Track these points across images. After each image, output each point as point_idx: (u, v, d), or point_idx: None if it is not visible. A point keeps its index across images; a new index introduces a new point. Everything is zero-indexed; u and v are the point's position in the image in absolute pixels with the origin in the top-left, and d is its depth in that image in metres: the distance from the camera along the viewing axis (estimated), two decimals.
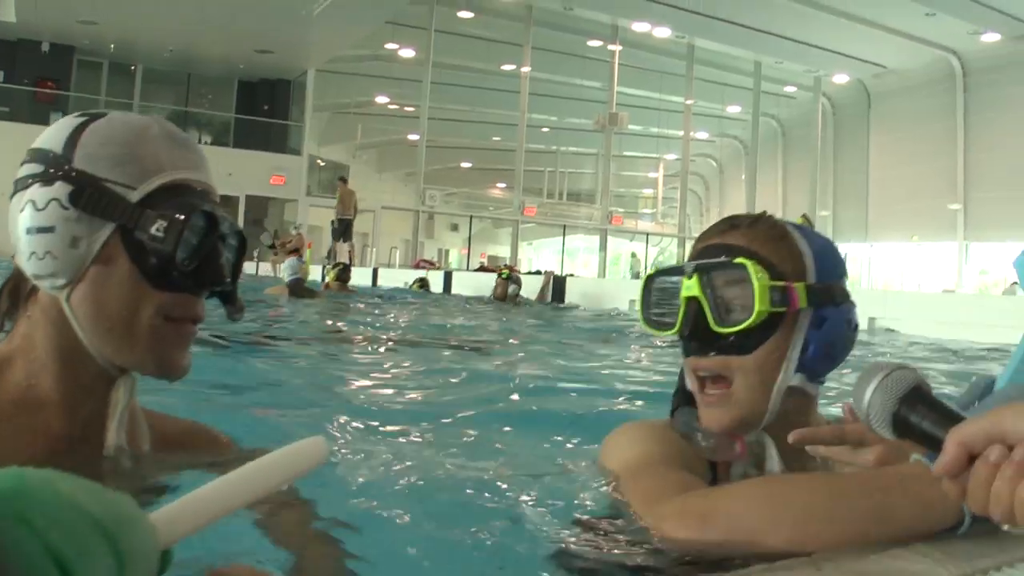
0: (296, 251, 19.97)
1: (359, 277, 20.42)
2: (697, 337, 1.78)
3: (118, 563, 0.61)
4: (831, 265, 1.84)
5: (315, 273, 18.61)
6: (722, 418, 1.78)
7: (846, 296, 1.83)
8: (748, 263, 1.73)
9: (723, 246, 1.80)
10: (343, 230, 25.50)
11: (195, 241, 1.59)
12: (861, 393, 1.35)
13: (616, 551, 1.59)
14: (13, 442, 1.54)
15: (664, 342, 6.04)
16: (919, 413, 1.29)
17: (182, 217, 1.55)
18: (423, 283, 19.40)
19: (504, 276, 15.87)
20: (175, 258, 1.55)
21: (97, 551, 0.60)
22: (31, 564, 0.56)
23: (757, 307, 1.71)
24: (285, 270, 13.00)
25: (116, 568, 0.61)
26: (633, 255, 43.96)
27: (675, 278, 1.84)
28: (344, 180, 27.14)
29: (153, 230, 1.54)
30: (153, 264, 1.57)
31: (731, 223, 1.86)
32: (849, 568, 1.32)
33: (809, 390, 1.82)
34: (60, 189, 1.54)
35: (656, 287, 1.92)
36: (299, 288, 12.62)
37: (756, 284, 1.71)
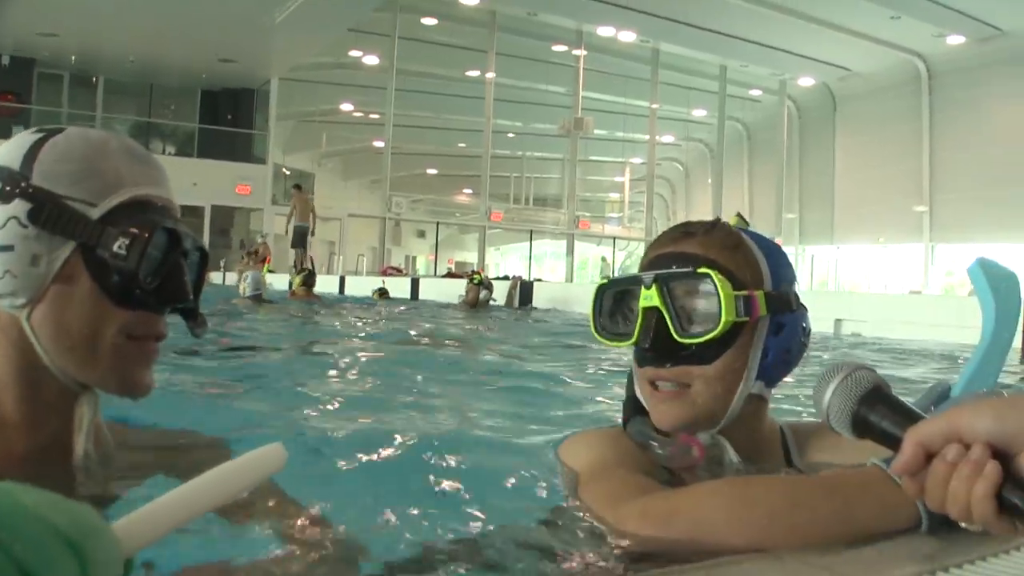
0: (264, 260, 20.64)
1: (326, 285, 20.56)
2: (657, 348, 1.75)
3: (83, 574, 0.62)
4: (784, 271, 1.84)
5: (281, 281, 18.53)
6: (677, 415, 1.75)
7: (799, 302, 1.83)
8: (712, 273, 1.71)
9: (680, 255, 1.78)
10: (300, 237, 25.08)
11: (157, 258, 1.58)
12: (821, 394, 1.36)
13: (573, 551, 1.56)
14: None
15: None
16: (878, 413, 1.31)
17: (144, 234, 1.53)
18: (383, 293, 19.00)
19: (476, 281, 15.85)
20: (138, 276, 1.54)
21: (62, 562, 0.61)
22: None
23: (724, 317, 1.70)
24: (248, 285, 12.93)
25: None
26: (603, 259, 44.19)
27: (631, 288, 1.82)
28: (299, 187, 27.23)
29: (115, 248, 1.51)
30: (115, 282, 1.54)
31: (685, 231, 1.83)
32: (813, 561, 1.31)
33: (766, 395, 1.82)
34: (19, 207, 1.50)
35: (609, 297, 1.90)
36: (260, 301, 12.74)
37: (722, 295, 1.69)
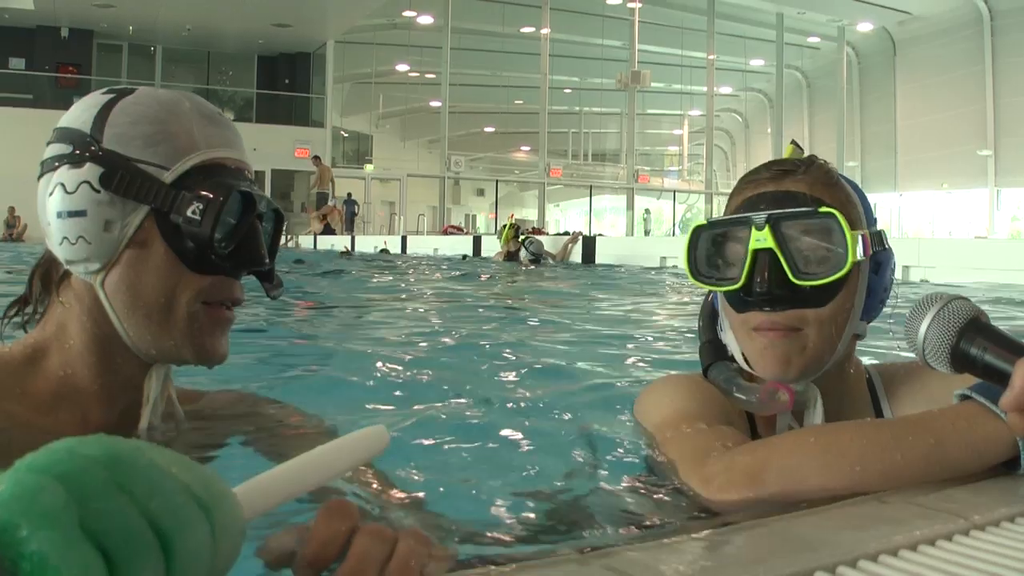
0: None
1: (390, 244, 21.13)
2: (771, 292, 1.64)
3: (212, 535, 0.62)
4: (870, 209, 1.77)
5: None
6: (790, 363, 1.66)
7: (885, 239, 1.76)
8: (837, 213, 1.62)
9: (787, 193, 1.69)
10: (322, 201, 27.89)
11: (232, 223, 1.53)
12: (915, 327, 1.32)
13: (658, 509, 1.55)
14: (54, 435, 1.48)
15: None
16: (979, 345, 1.26)
17: (219, 199, 1.49)
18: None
19: (515, 236, 15.83)
20: (213, 241, 1.49)
21: (195, 522, 0.60)
22: (130, 533, 0.56)
23: (850, 258, 1.61)
24: None
25: (210, 540, 0.62)
26: (647, 211, 43.80)
27: (734, 229, 1.72)
28: (318, 158, 29.12)
29: (189, 212, 1.48)
30: (190, 247, 1.50)
31: (782, 168, 1.73)
32: (920, 502, 1.28)
33: (862, 332, 1.74)
34: (90, 171, 1.47)
35: (707, 239, 1.78)
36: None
37: (848, 235, 1.61)
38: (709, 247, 1.78)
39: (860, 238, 1.63)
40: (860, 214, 1.71)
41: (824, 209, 1.63)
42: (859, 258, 1.63)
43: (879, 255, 1.71)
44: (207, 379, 1.84)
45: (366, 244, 22.55)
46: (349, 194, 32.32)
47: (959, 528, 1.16)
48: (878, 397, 1.85)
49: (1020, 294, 8.20)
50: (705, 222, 1.80)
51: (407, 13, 36.11)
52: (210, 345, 1.56)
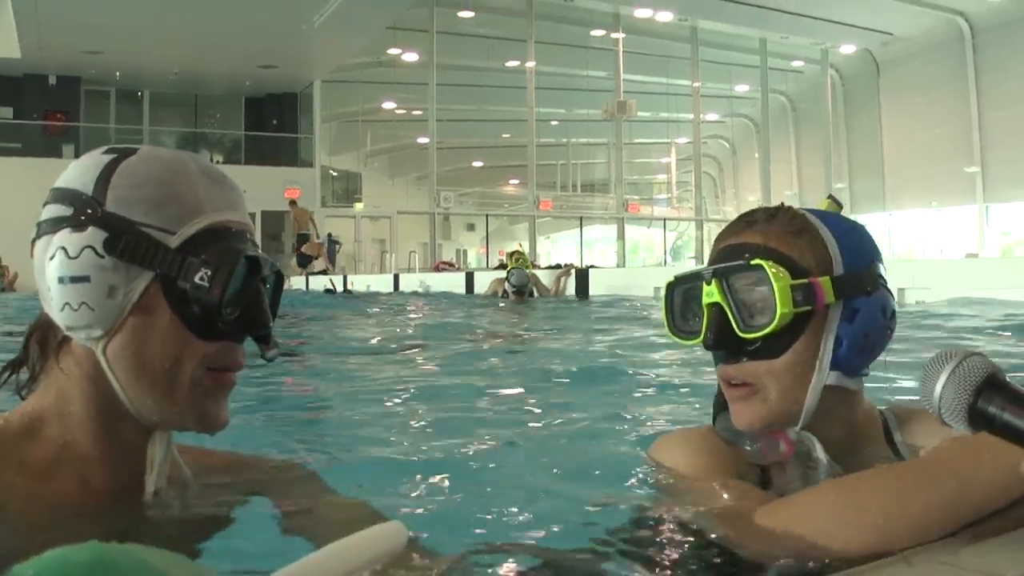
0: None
1: (380, 284, 21.01)
2: (723, 345, 1.70)
3: None
4: (859, 251, 1.74)
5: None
6: (750, 414, 1.70)
7: (878, 282, 1.72)
8: (765, 264, 1.63)
9: (740, 246, 1.71)
10: (302, 242, 29.04)
11: (239, 288, 1.50)
12: (931, 386, 1.26)
13: (676, 569, 1.52)
14: (52, 502, 1.45)
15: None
16: (997, 405, 1.21)
17: (227, 265, 1.46)
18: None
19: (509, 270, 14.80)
20: (221, 308, 1.46)
21: None
22: None
23: (779, 310, 1.62)
24: None
25: None
26: (619, 239, 43.78)
27: (696, 284, 1.75)
28: (293, 202, 30.27)
29: (196, 279, 1.44)
30: (196, 313, 1.47)
31: (748, 220, 1.76)
32: (941, 560, 1.25)
33: (849, 385, 1.72)
34: (94, 235, 1.43)
35: (679, 294, 1.83)
36: None
37: (776, 285, 1.62)
38: (681, 302, 1.83)
39: (802, 288, 1.63)
40: (831, 260, 1.69)
41: (756, 261, 1.65)
42: (797, 309, 1.63)
43: (856, 301, 1.68)
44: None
45: (413, 284, 22.20)
46: (329, 234, 32.62)
47: None
48: (894, 439, 1.82)
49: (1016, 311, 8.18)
50: (674, 279, 1.83)
51: (392, 51, 36.20)
52: (212, 411, 1.53)
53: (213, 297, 1.45)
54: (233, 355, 1.54)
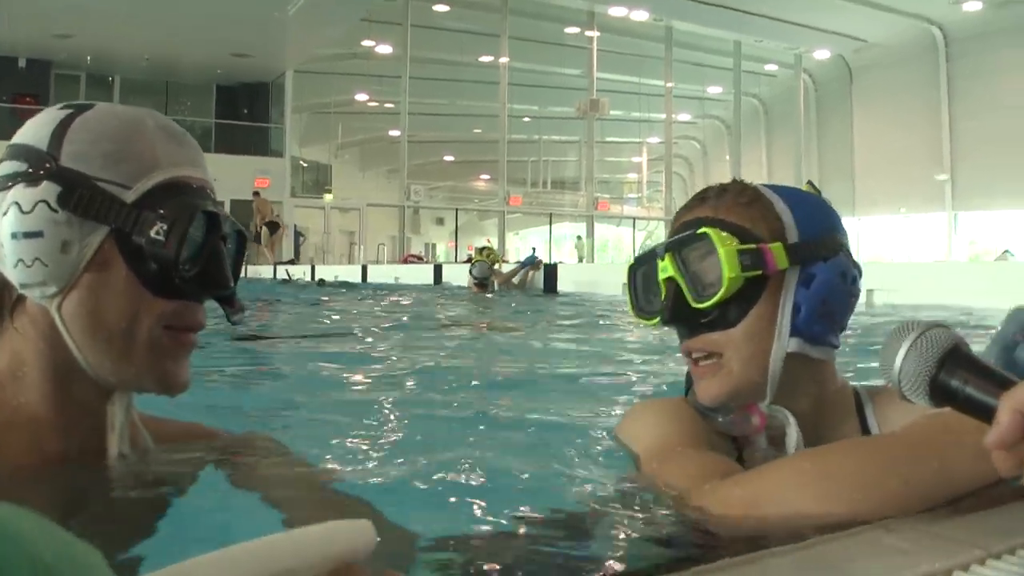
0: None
1: (349, 274, 21.02)
2: (680, 318, 1.70)
3: None
4: (816, 220, 1.73)
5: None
6: (714, 390, 1.69)
7: (837, 249, 1.71)
8: (710, 231, 1.64)
9: (692, 221, 1.71)
10: (273, 230, 29.34)
11: (197, 244, 1.47)
12: (890, 357, 1.22)
13: (649, 540, 1.49)
14: (12, 464, 1.41)
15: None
16: (960, 377, 1.17)
17: (183, 219, 1.43)
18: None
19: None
20: (177, 263, 1.43)
21: None
22: None
23: (726, 274, 1.61)
24: None
25: None
26: (578, 238, 43.82)
27: (652, 262, 1.76)
28: (257, 194, 30.19)
29: (152, 233, 1.41)
30: (153, 270, 1.44)
31: (701, 196, 1.77)
32: (921, 528, 1.23)
33: (815, 354, 1.69)
34: (48, 190, 1.40)
35: (640, 276, 1.84)
36: None
37: (721, 251, 1.62)
38: (642, 284, 1.83)
39: (749, 253, 1.63)
40: (783, 227, 1.68)
41: (702, 230, 1.65)
42: (746, 273, 1.62)
43: (812, 267, 1.66)
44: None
45: (381, 275, 22.10)
46: (295, 226, 32.74)
47: (974, 558, 1.10)
48: (865, 416, 1.80)
49: (981, 315, 8.21)
50: (634, 261, 1.84)
51: (366, 43, 36.17)
52: (172, 372, 1.49)
53: (169, 252, 1.42)
54: (192, 315, 1.51)
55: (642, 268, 1.82)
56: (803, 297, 1.66)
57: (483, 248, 16.94)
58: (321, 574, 0.68)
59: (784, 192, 1.76)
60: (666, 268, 1.69)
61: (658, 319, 1.75)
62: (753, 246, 1.63)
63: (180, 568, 0.64)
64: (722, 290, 1.62)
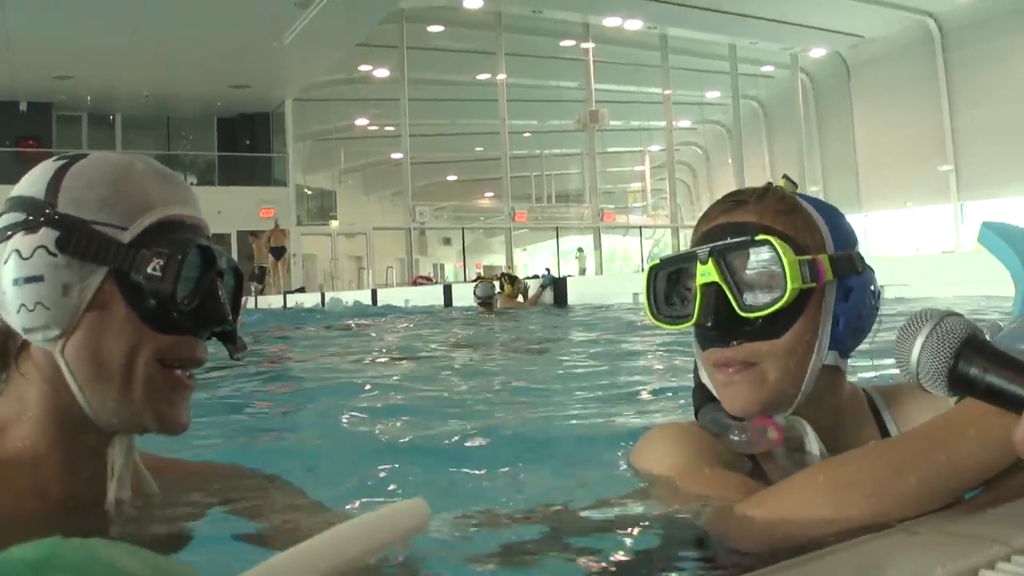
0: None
1: (359, 298, 21.17)
2: (720, 326, 1.64)
3: None
4: (844, 232, 1.72)
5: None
6: (748, 397, 1.65)
7: (864, 263, 1.71)
8: (772, 239, 1.60)
9: (733, 225, 1.68)
10: (261, 276, 30.25)
11: (194, 278, 1.50)
12: (907, 351, 1.24)
13: (668, 555, 1.51)
14: (14, 506, 1.43)
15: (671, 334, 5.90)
16: (979, 366, 1.18)
17: (178, 254, 1.46)
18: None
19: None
20: (175, 297, 1.46)
21: None
22: None
23: (790, 285, 1.58)
24: None
25: None
26: (579, 250, 43.80)
27: (687, 265, 1.72)
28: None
29: (149, 270, 1.45)
30: (152, 306, 1.47)
31: (736, 200, 1.73)
32: (945, 530, 1.21)
33: (842, 366, 1.70)
34: (46, 235, 1.44)
35: (663, 278, 1.79)
36: None
37: (786, 260, 1.58)
38: (665, 286, 1.79)
39: (807, 264, 1.60)
40: (823, 239, 1.68)
41: (761, 237, 1.62)
42: (804, 285, 1.60)
43: (849, 280, 1.66)
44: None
45: (392, 298, 22.13)
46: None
47: (999, 555, 1.08)
48: (882, 418, 1.79)
49: (991, 305, 8.19)
50: (658, 261, 1.80)
51: (363, 67, 36.20)
52: (169, 412, 1.51)
53: (166, 287, 1.45)
54: (191, 349, 1.53)
55: (668, 270, 1.78)
56: (841, 310, 1.65)
57: (503, 275, 17.14)
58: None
59: (813, 203, 1.75)
60: (708, 273, 1.65)
61: (688, 324, 1.70)
62: (809, 257, 1.62)
63: (265, 567, 0.67)
64: (783, 300, 1.59)
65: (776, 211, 1.68)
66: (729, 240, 1.66)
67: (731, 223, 1.69)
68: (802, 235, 1.66)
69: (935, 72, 37.33)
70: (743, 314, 1.62)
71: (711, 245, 1.66)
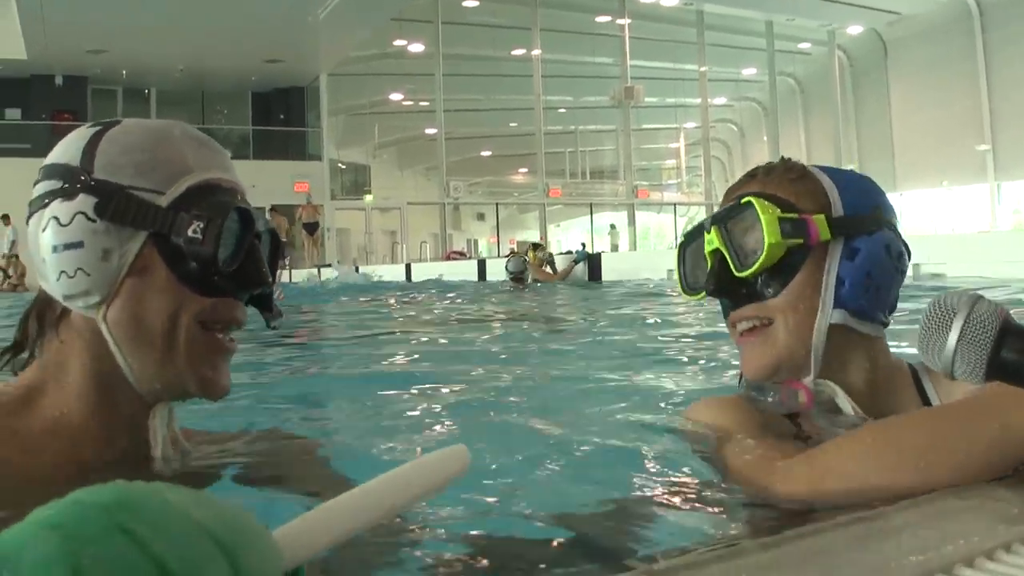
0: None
1: (392, 274, 21.10)
2: (725, 289, 1.73)
3: None
4: (863, 198, 1.76)
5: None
6: (759, 357, 1.72)
7: (882, 224, 1.73)
8: (754, 200, 1.67)
9: (739, 195, 1.75)
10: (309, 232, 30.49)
11: (234, 240, 1.51)
12: (938, 344, 1.23)
13: (713, 512, 1.53)
14: (45, 479, 1.41)
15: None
16: (1018, 350, 1.16)
17: (218, 216, 1.46)
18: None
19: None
20: (216, 259, 1.46)
21: (210, 564, 0.56)
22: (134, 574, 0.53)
23: (767, 240, 1.63)
24: None
25: None
26: (612, 226, 43.75)
27: (700, 237, 1.80)
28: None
29: (190, 232, 1.45)
30: (192, 268, 1.48)
31: (751, 174, 1.82)
32: (993, 496, 1.22)
33: (863, 329, 1.70)
34: (84, 202, 1.44)
35: (689, 253, 1.87)
36: None
37: (764, 218, 1.65)
38: (691, 260, 1.87)
39: (793, 222, 1.65)
40: (830, 203, 1.71)
41: (744, 200, 1.69)
42: (787, 240, 1.64)
43: (855, 241, 1.68)
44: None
45: (426, 273, 22.17)
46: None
47: None
48: (923, 387, 1.80)
49: None
50: (683, 237, 1.90)
51: (398, 42, 36.17)
52: (211, 374, 1.52)
53: (207, 249, 1.45)
54: (231, 311, 1.54)
55: (691, 244, 1.86)
56: (847, 270, 1.67)
57: (536, 244, 17.14)
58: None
59: (832, 172, 1.79)
60: (712, 240, 1.73)
61: (704, 292, 1.77)
62: (795, 215, 1.66)
63: (313, 515, 0.68)
64: (763, 256, 1.65)
65: (781, 179, 1.75)
66: (723, 208, 1.76)
67: (738, 194, 1.76)
68: (803, 199, 1.71)
69: (974, 51, 36.96)
70: (738, 274, 1.69)
71: (713, 215, 1.77)
